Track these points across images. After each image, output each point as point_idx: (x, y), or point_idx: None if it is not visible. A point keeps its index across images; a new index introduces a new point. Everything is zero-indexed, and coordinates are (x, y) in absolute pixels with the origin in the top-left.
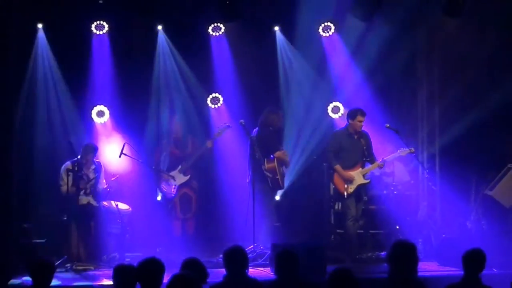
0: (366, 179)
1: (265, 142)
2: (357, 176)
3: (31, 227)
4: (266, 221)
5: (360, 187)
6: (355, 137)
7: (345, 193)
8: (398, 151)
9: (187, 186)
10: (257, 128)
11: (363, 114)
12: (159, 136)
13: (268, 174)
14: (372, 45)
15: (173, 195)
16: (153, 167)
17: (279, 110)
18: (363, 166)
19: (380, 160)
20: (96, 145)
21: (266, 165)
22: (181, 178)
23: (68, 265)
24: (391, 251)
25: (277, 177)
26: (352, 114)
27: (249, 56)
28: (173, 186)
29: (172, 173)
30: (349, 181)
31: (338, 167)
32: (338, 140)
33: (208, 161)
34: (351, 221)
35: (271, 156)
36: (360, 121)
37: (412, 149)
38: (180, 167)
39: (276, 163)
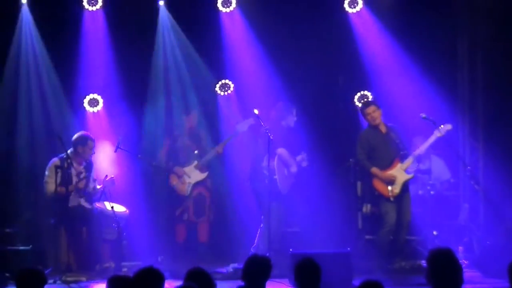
0: (409, 174)
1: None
2: (399, 173)
3: (15, 232)
4: (281, 227)
5: (405, 185)
6: (383, 132)
7: (391, 197)
8: (434, 132)
9: (202, 185)
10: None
11: (367, 104)
12: (161, 128)
13: (265, 172)
14: (406, 23)
15: (187, 194)
16: (153, 163)
17: (293, 107)
18: (402, 161)
19: (415, 151)
20: (92, 137)
21: (265, 162)
22: (197, 175)
23: (57, 275)
24: (428, 261)
25: (275, 177)
26: (361, 111)
27: (264, 36)
28: (187, 184)
29: (186, 169)
30: (391, 181)
31: (375, 169)
32: (366, 140)
33: (221, 158)
34: (387, 231)
35: (274, 152)
36: (369, 113)
37: (450, 125)
38: (196, 162)
39: (276, 162)
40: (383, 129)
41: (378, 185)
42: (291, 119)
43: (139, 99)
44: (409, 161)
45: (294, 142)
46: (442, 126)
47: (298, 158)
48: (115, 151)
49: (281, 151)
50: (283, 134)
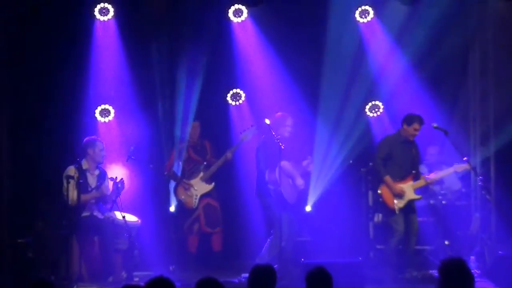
0: (418, 195)
1: (270, 149)
2: (408, 190)
3: (27, 242)
4: (293, 237)
5: (411, 202)
6: (408, 145)
7: (395, 210)
8: (454, 166)
9: (209, 196)
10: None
11: (421, 122)
12: (171, 138)
13: (270, 186)
14: (416, 33)
15: (194, 206)
16: (166, 173)
17: (288, 115)
18: (415, 179)
19: (428, 176)
20: (100, 140)
21: (268, 175)
22: (203, 187)
23: (69, 285)
24: (440, 271)
25: (279, 188)
26: (408, 120)
27: (276, 45)
28: (194, 196)
29: (192, 181)
30: (399, 195)
31: (388, 178)
32: (388, 146)
33: (229, 167)
34: (397, 239)
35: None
36: (416, 130)
37: (469, 166)
38: (201, 174)
39: (278, 174)
40: (410, 143)
41: (385, 194)
42: (285, 130)
43: (151, 109)
44: (420, 183)
45: (295, 150)
46: (465, 165)
47: (304, 163)
48: (127, 160)
49: (284, 163)
50: (280, 145)
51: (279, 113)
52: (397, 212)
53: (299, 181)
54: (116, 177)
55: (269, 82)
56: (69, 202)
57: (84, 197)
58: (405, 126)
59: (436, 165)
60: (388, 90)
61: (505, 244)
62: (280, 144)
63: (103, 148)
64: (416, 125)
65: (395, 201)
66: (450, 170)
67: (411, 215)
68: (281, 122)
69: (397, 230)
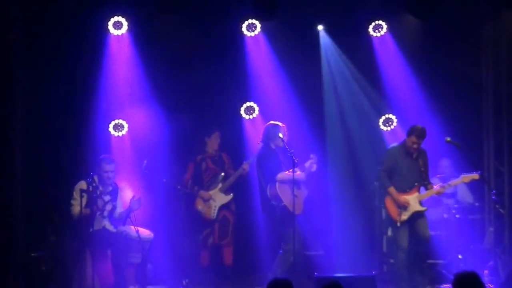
0: (423, 207)
1: (266, 163)
2: (413, 201)
3: (40, 256)
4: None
5: (415, 214)
6: (413, 155)
7: (398, 222)
8: (461, 176)
9: (227, 208)
10: (261, 146)
11: (419, 135)
12: (186, 152)
13: (273, 202)
14: (430, 47)
15: (213, 218)
16: (179, 187)
17: (279, 124)
18: (419, 191)
19: (438, 186)
20: (113, 158)
21: (269, 192)
22: (222, 198)
23: None
24: (454, 285)
25: (282, 203)
26: (409, 131)
27: (288, 59)
28: (213, 207)
29: (212, 192)
30: (404, 207)
31: (392, 189)
32: (393, 157)
33: (244, 180)
34: (403, 253)
35: (273, 179)
36: (413, 143)
37: (477, 175)
38: (220, 185)
39: (278, 188)
40: (414, 153)
41: (390, 206)
42: (279, 141)
43: (165, 123)
44: (426, 194)
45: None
46: (472, 174)
47: (307, 164)
48: (140, 175)
49: (280, 176)
50: (277, 156)
51: (269, 123)
52: (398, 224)
53: (303, 191)
54: (134, 196)
55: (281, 96)
56: (76, 216)
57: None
58: (406, 137)
59: (450, 178)
60: (401, 104)
61: None
62: (295, 159)
63: (110, 170)
64: (413, 138)
65: (399, 212)
66: (458, 180)
67: (419, 227)
68: (275, 133)
69: (400, 245)
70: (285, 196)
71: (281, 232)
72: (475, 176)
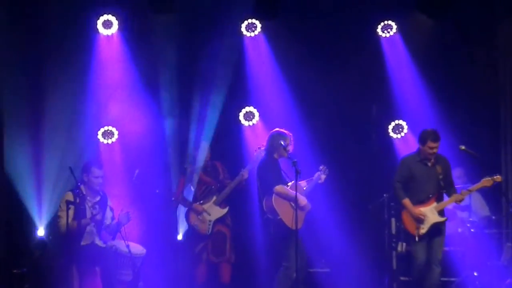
0: (442, 217)
1: (265, 174)
2: (430, 213)
3: (23, 273)
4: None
5: (435, 226)
6: (429, 164)
7: (416, 236)
8: (482, 180)
9: (221, 222)
10: (263, 154)
11: (435, 139)
12: (180, 161)
13: (269, 215)
14: (442, 48)
15: (208, 233)
16: (173, 199)
17: (285, 133)
18: (439, 200)
19: (457, 198)
20: (102, 163)
21: (265, 204)
22: (217, 212)
23: None
24: None
25: (279, 217)
26: (422, 139)
27: (288, 61)
28: (207, 222)
29: (206, 206)
30: (420, 220)
31: (407, 201)
32: (408, 167)
33: (241, 191)
34: (417, 270)
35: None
36: (432, 148)
37: (499, 177)
38: (214, 198)
39: (274, 201)
40: (431, 161)
41: (406, 219)
42: (283, 150)
43: (158, 129)
44: (445, 203)
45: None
46: (492, 177)
47: (315, 176)
48: (131, 185)
49: (278, 188)
50: (278, 166)
51: (275, 131)
52: (417, 239)
53: (304, 202)
54: (122, 209)
55: (282, 99)
56: (63, 229)
57: (84, 221)
58: (421, 146)
59: (463, 189)
60: (411, 109)
61: None
62: (297, 169)
63: (99, 175)
64: (430, 143)
65: (418, 227)
66: (479, 185)
67: (435, 247)
68: (278, 142)
69: (417, 259)
70: (282, 209)
71: (279, 247)
72: (498, 178)
